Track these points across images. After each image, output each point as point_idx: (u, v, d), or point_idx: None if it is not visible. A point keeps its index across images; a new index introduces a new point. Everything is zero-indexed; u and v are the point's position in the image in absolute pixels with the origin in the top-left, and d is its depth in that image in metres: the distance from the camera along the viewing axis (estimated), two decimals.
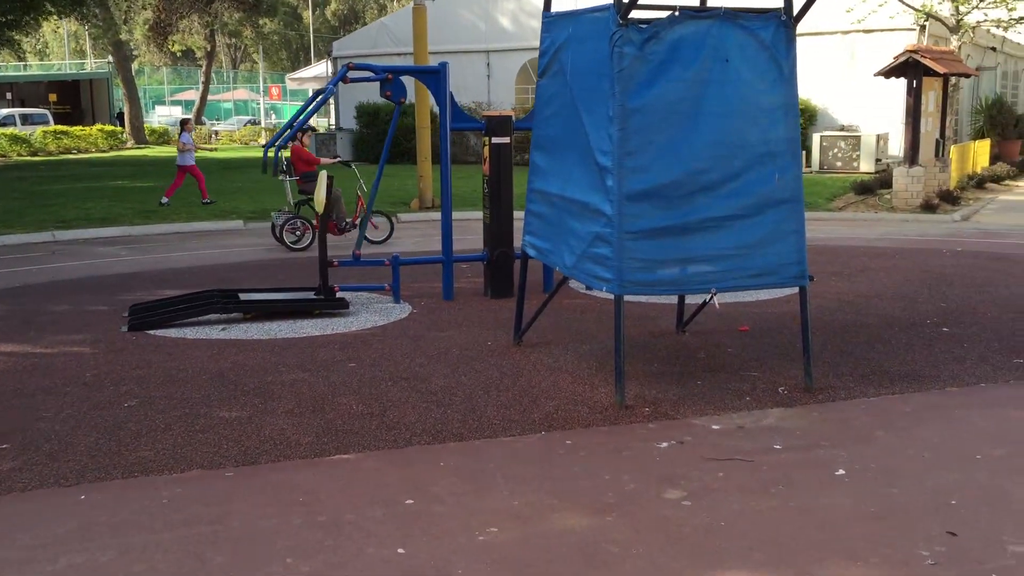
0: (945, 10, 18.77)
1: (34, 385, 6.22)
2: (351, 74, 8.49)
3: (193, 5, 40.65)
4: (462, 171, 19.18)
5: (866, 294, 8.84)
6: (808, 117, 22.05)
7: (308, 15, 61.71)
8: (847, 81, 21.50)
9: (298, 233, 12.24)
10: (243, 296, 8.33)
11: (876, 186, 17.33)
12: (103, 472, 4.71)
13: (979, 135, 24.22)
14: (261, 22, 50.95)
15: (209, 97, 48.80)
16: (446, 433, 5.24)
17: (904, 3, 18.55)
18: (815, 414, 5.55)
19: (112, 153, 33.54)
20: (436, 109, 9.59)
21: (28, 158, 31.10)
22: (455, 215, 9.83)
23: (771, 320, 7.82)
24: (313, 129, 12.59)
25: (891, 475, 4.60)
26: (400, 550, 3.85)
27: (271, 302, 8.24)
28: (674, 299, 7.79)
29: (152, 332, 7.65)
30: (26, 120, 36.26)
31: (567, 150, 6.23)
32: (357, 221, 12.42)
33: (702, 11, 5.73)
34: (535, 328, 7.35)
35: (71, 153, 33.19)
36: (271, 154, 10.67)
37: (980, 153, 21.18)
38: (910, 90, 15.61)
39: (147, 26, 42.50)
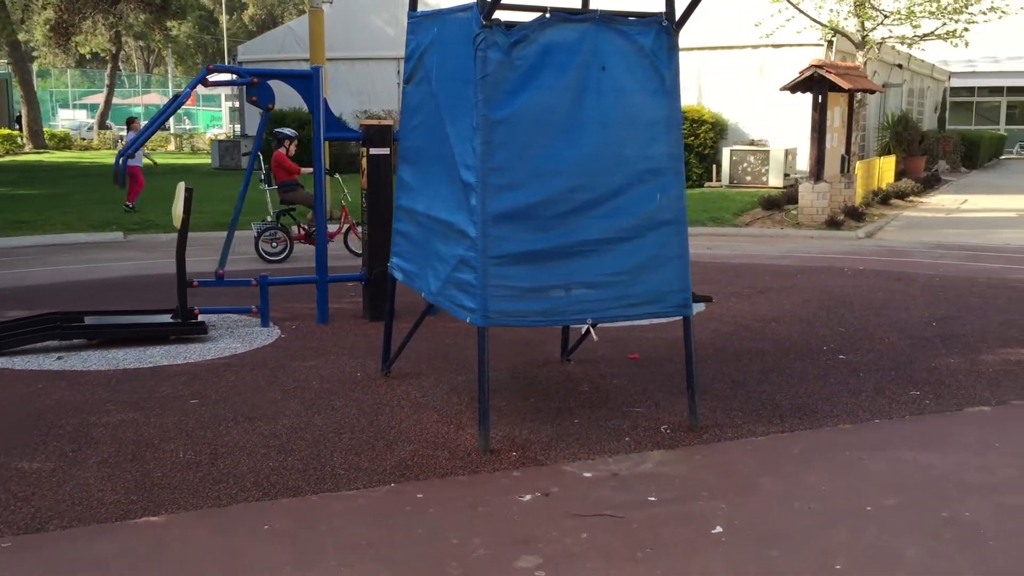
0: (851, 26, 18.78)
1: None
2: (213, 77, 7.75)
3: (97, 5, 38.89)
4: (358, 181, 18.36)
5: (764, 317, 8.45)
6: (719, 131, 21.91)
7: (223, 19, 59.99)
8: (757, 96, 21.39)
9: (275, 245, 11.49)
10: (88, 320, 7.52)
11: (783, 201, 17.17)
12: None
13: (885, 151, 24.44)
14: (170, 25, 49.16)
15: (118, 101, 46.76)
16: (280, 487, 4.58)
17: (811, 19, 18.50)
18: (697, 457, 5.05)
19: (7, 158, 31.74)
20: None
21: None
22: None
23: (664, 347, 7.34)
24: (296, 137, 11.80)
25: (772, 534, 4.11)
26: None
27: (119, 327, 7.45)
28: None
29: None
30: None
31: (433, 164, 5.64)
32: (342, 231, 11.73)
33: (576, 14, 5.21)
34: (409, 355, 6.75)
35: None
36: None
37: (886, 169, 21.29)
38: (816, 105, 15.47)
39: (48, 26, 40.58)
